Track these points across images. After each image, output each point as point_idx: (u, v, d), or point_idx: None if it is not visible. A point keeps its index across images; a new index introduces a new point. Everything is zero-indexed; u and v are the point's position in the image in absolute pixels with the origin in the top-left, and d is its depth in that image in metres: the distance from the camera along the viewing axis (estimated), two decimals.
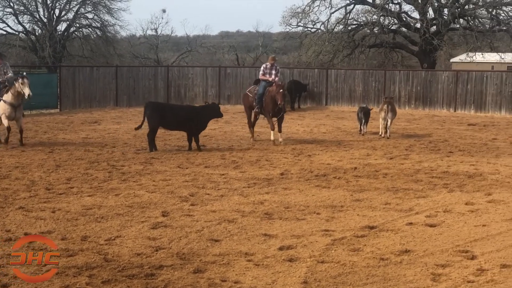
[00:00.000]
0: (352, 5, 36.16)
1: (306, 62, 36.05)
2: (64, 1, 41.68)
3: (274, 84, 15.58)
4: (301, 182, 10.75)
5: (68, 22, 42.43)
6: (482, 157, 13.97)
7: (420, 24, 34.60)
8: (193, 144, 14.35)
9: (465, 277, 6.08)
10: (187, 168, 12.02)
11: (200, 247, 6.97)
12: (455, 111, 26.19)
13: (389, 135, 17.09)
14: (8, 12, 40.80)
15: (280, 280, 6.00)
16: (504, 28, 33.71)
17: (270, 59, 16.43)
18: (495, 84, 25.68)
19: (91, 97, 26.25)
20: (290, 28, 38.20)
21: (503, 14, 34.05)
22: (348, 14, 35.97)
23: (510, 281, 5.98)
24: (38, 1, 41.23)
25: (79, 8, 42.04)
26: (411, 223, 8.07)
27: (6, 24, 41.64)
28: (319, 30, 36.85)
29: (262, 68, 16.45)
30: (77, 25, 42.96)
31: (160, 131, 14.89)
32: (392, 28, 36.29)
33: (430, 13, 34.92)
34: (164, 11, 78.29)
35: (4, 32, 41.99)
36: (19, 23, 41.48)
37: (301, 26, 37.43)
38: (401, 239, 7.36)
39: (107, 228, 7.68)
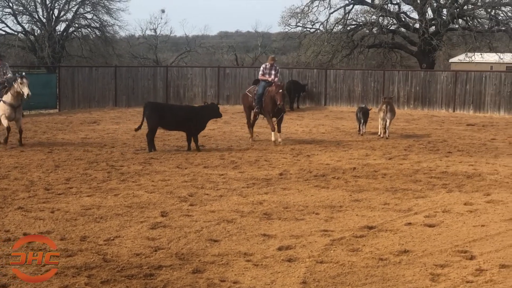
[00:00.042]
0: (351, 6, 36.20)
1: (305, 62, 36.08)
2: (63, 1, 41.73)
3: (273, 84, 15.58)
4: (300, 182, 10.76)
5: (67, 22, 42.44)
6: (481, 157, 13.98)
7: (419, 25, 34.62)
8: (192, 144, 14.35)
9: (464, 277, 6.09)
10: (186, 168, 12.02)
11: (199, 247, 6.97)
12: (454, 111, 26.21)
13: (388, 135, 17.10)
14: (7, 12, 40.86)
15: (279, 280, 6.00)
16: (503, 28, 33.74)
17: (270, 59, 16.42)
18: (494, 84, 25.69)
19: (90, 97, 26.24)
20: (289, 28, 38.29)
21: (502, 14, 34.10)
22: (347, 15, 36.01)
23: (509, 281, 5.99)
24: (37, 1, 41.25)
25: (78, 8, 42.07)
26: (410, 223, 8.07)
27: (5, 24, 41.72)
28: (318, 30, 36.87)
29: (261, 68, 16.43)
30: (76, 25, 42.98)
31: (159, 132, 14.89)
32: (391, 28, 36.31)
33: (429, 13, 34.98)
34: (163, 11, 78.55)
35: (3, 33, 42.00)
36: (18, 23, 41.55)
37: (300, 26, 37.51)
38: (400, 239, 7.37)
39: (106, 228, 7.68)
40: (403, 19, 36.06)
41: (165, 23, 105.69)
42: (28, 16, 41.64)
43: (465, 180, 11.13)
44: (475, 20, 34.42)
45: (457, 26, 34.89)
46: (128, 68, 30.52)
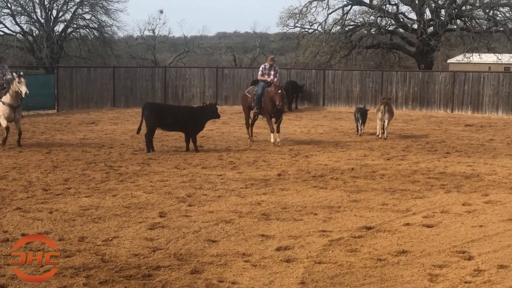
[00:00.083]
0: (349, 6, 36.24)
1: (304, 63, 36.10)
2: (61, 2, 41.68)
3: (272, 85, 15.58)
4: (298, 183, 10.76)
5: (65, 23, 42.41)
6: (479, 158, 13.99)
7: (417, 25, 34.68)
8: (191, 145, 14.35)
9: (462, 278, 6.09)
10: (184, 169, 12.02)
11: (198, 248, 6.97)
12: (452, 112, 26.22)
13: (386, 136, 17.11)
14: (5, 13, 40.81)
15: (277, 281, 6.00)
16: (501, 29, 33.78)
17: (269, 60, 16.42)
18: (492, 85, 25.71)
19: (89, 98, 26.23)
20: (288, 29, 38.29)
21: (500, 15, 34.15)
22: (345, 15, 36.06)
23: (507, 281, 5.99)
24: (36, 2, 41.21)
25: (76, 9, 42.04)
26: (408, 224, 8.08)
27: (4, 25, 41.69)
28: (316, 31, 36.90)
29: (260, 68, 16.42)
30: (75, 26, 42.94)
31: (158, 132, 14.89)
32: (389, 29, 36.34)
33: (427, 14, 35.06)
34: (161, 11, 78.43)
35: (2, 33, 41.97)
36: (17, 23, 41.51)
37: (299, 27, 37.54)
38: (398, 239, 7.37)
39: (105, 229, 7.68)
40: (401, 20, 36.11)
41: (164, 23, 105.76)
42: (26, 17, 41.64)
43: (463, 180, 11.14)
44: (473, 21, 34.48)
45: (455, 26, 34.94)
46: (126, 68, 30.53)
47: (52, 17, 41.65)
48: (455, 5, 34.62)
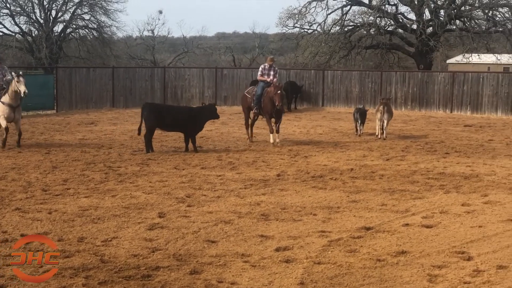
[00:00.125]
0: (349, 6, 36.22)
1: (303, 63, 36.08)
2: (60, 2, 41.65)
3: (272, 85, 15.58)
4: (297, 183, 10.76)
5: (64, 23, 42.35)
6: (478, 158, 13.99)
7: (417, 26, 34.68)
8: (190, 145, 14.34)
9: (462, 278, 6.10)
10: (183, 169, 12.02)
11: (197, 248, 6.97)
12: (451, 112, 26.22)
13: (386, 136, 17.11)
14: (4, 13, 40.72)
15: (277, 281, 6.00)
16: (500, 29, 33.78)
17: (269, 60, 16.43)
18: (491, 85, 25.72)
19: (88, 98, 26.22)
20: (287, 29, 38.23)
21: (499, 15, 34.15)
22: (344, 15, 36.03)
23: (507, 282, 6.00)
24: (35, 2, 41.16)
25: (75, 9, 41.98)
26: (407, 224, 8.08)
27: (3, 25, 41.61)
28: (316, 31, 36.88)
29: (260, 69, 16.41)
30: (74, 26, 42.87)
31: (157, 132, 14.88)
32: (388, 29, 36.33)
33: (427, 14, 35.03)
34: (160, 12, 78.44)
35: (1, 33, 41.90)
36: (16, 24, 41.44)
37: (298, 27, 37.49)
38: (397, 240, 7.38)
39: (104, 229, 7.68)
40: (401, 20, 36.10)
41: (163, 24, 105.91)
42: (25, 17, 41.57)
43: (462, 181, 11.15)
44: (473, 21, 34.47)
45: (454, 27, 34.94)
46: (125, 69, 30.52)
47: (51, 18, 41.61)
48: (454, 5, 34.62)
